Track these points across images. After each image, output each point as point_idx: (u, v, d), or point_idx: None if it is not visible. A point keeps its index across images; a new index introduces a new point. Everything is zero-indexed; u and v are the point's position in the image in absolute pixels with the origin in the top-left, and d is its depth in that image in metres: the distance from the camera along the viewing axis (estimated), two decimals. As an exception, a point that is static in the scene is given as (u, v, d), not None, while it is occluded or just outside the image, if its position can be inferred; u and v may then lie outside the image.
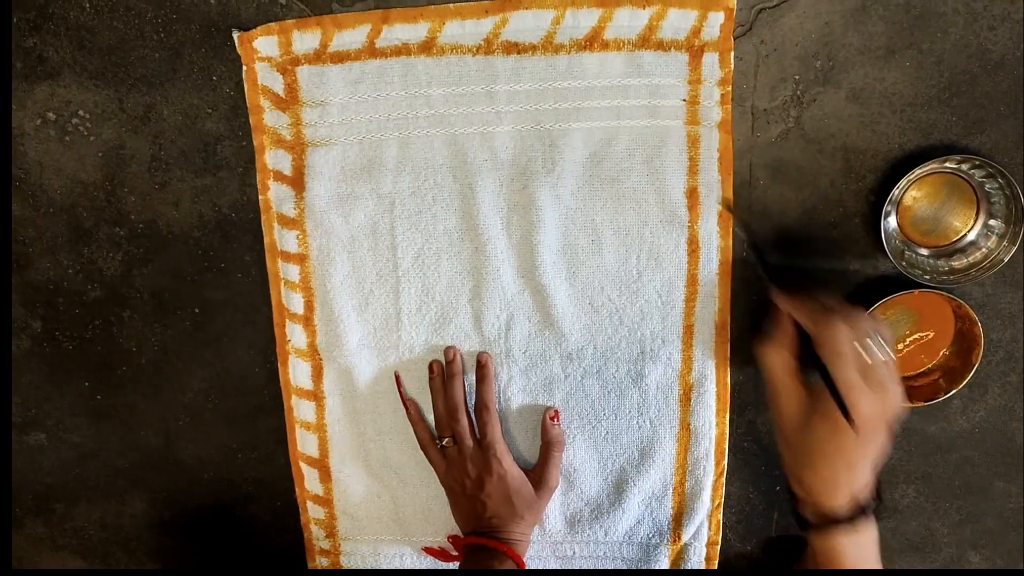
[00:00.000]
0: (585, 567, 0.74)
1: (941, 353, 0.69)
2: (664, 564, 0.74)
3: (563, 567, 0.74)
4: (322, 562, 0.77)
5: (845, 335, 0.54)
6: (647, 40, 0.63)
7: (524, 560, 0.68)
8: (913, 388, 0.69)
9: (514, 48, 0.64)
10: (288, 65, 0.66)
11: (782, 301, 0.60)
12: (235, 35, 0.65)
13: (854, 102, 0.64)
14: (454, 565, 0.74)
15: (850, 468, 0.56)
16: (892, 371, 0.55)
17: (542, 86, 0.65)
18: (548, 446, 0.70)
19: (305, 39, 0.65)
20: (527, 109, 0.66)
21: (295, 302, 0.71)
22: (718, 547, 0.74)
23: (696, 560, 0.74)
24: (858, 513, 0.58)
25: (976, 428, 0.72)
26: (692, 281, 0.68)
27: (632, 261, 0.68)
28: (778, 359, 0.58)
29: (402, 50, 0.65)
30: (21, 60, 0.68)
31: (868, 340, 0.54)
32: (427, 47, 0.65)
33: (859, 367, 0.54)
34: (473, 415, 0.70)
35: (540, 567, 0.75)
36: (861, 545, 0.58)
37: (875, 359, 0.54)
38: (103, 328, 0.74)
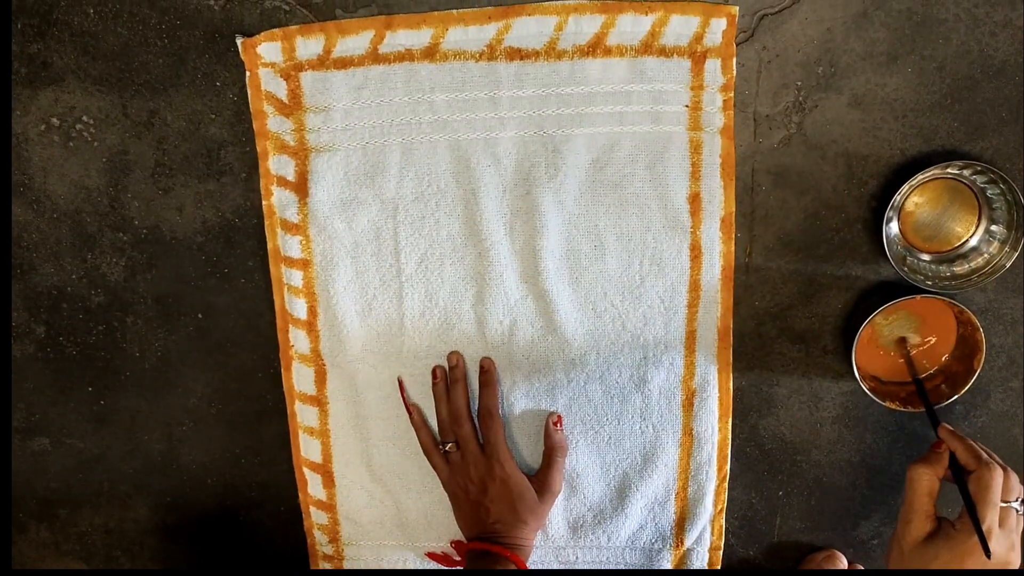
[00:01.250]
0: (588, 572, 0.75)
1: (943, 358, 0.69)
2: (667, 569, 0.74)
3: (566, 572, 0.75)
4: (325, 567, 0.77)
5: (998, 483, 0.59)
6: (650, 46, 0.64)
7: (527, 565, 0.68)
8: (915, 393, 0.69)
9: (517, 54, 0.64)
10: (292, 71, 0.66)
11: (948, 435, 0.64)
12: (239, 41, 0.65)
13: (856, 108, 0.65)
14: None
15: None
16: (1021, 531, 0.61)
17: (545, 92, 0.65)
18: (551, 451, 0.70)
19: (309, 45, 0.65)
20: (530, 115, 0.66)
21: (298, 307, 0.71)
22: (720, 552, 0.74)
23: (699, 565, 0.74)
24: None
25: (978, 433, 0.72)
26: (695, 287, 0.68)
27: (635, 266, 0.68)
28: (925, 481, 0.62)
29: (405, 56, 0.65)
30: (25, 66, 0.68)
31: (1016, 500, 0.61)
32: (430, 53, 0.65)
33: (999, 515, 0.60)
34: (476, 420, 0.70)
35: (543, 572, 0.75)
36: None
37: (1011, 511, 0.60)
38: (107, 333, 0.74)
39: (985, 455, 0.61)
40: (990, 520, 0.59)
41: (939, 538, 0.60)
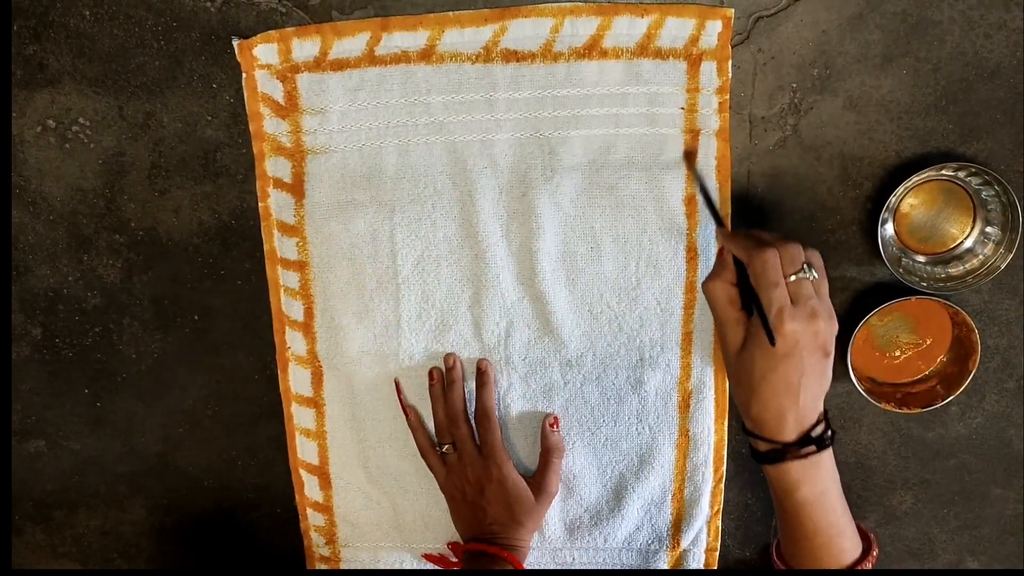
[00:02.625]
0: (584, 573, 0.75)
1: (938, 360, 0.69)
2: (663, 569, 0.74)
3: (562, 573, 0.75)
4: (322, 568, 0.77)
5: (775, 263, 0.55)
6: (645, 48, 0.64)
7: (524, 566, 0.68)
8: (911, 394, 0.69)
9: (513, 56, 0.65)
10: (288, 72, 0.66)
11: (722, 237, 0.61)
12: (235, 43, 0.65)
13: (851, 110, 0.65)
14: (454, 571, 0.75)
15: (789, 391, 0.56)
16: (821, 293, 0.57)
17: (541, 94, 0.65)
18: (547, 453, 0.70)
19: (305, 47, 0.65)
20: (526, 117, 0.66)
21: (295, 309, 0.71)
22: (717, 553, 0.74)
23: (695, 566, 0.74)
24: (807, 442, 0.58)
25: (973, 434, 0.72)
26: (691, 288, 0.68)
27: (631, 268, 0.68)
28: (720, 291, 0.59)
29: (401, 58, 0.65)
30: (21, 67, 0.68)
31: (801, 269, 0.56)
32: (426, 55, 0.65)
33: (790, 292, 0.55)
34: (473, 422, 0.71)
35: (539, 573, 0.75)
36: (815, 478, 0.58)
37: (802, 281, 0.56)
38: (103, 335, 0.74)
39: (754, 244, 0.57)
40: (778, 300, 0.55)
41: (750, 341, 0.57)
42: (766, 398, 0.57)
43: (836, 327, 0.57)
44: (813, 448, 0.57)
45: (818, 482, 0.58)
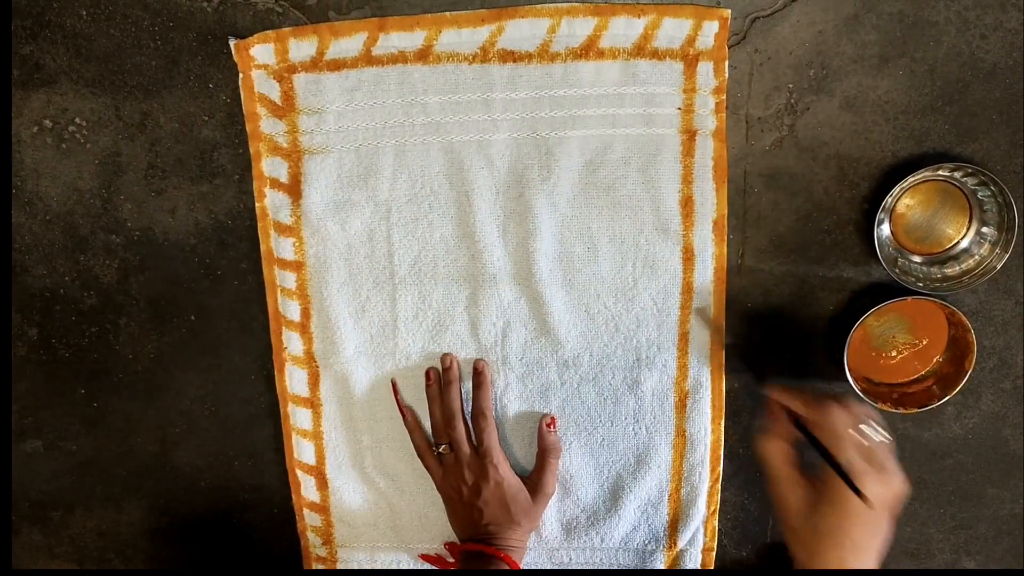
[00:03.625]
0: (581, 573, 0.75)
1: (934, 360, 0.70)
2: (660, 569, 0.74)
3: (559, 573, 0.75)
4: (319, 569, 0.77)
5: (843, 419, 0.56)
6: (642, 49, 0.64)
7: (521, 566, 0.68)
8: (907, 395, 0.69)
9: (510, 56, 0.65)
10: (285, 73, 0.66)
11: (775, 392, 0.61)
12: (232, 43, 0.65)
13: (847, 110, 0.65)
14: (450, 572, 0.75)
15: (858, 553, 0.56)
16: (890, 454, 0.57)
17: (538, 94, 0.65)
18: (544, 453, 0.70)
19: (302, 47, 0.65)
20: (523, 117, 0.66)
21: (292, 309, 0.71)
22: (713, 553, 0.74)
23: (692, 566, 0.74)
24: None
25: (970, 434, 0.72)
26: (687, 289, 0.68)
27: (628, 269, 0.68)
28: (777, 450, 0.59)
29: (398, 58, 0.65)
30: (18, 67, 0.68)
31: (863, 425, 0.57)
32: (423, 55, 0.65)
33: (860, 451, 0.56)
34: (470, 422, 0.71)
35: (536, 573, 0.75)
36: None
37: (873, 442, 0.56)
38: (99, 335, 0.74)
39: (813, 397, 0.57)
40: (852, 458, 0.55)
41: (823, 502, 0.57)
42: (832, 558, 0.56)
43: (902, 476, 0.57)
44: None
45: None
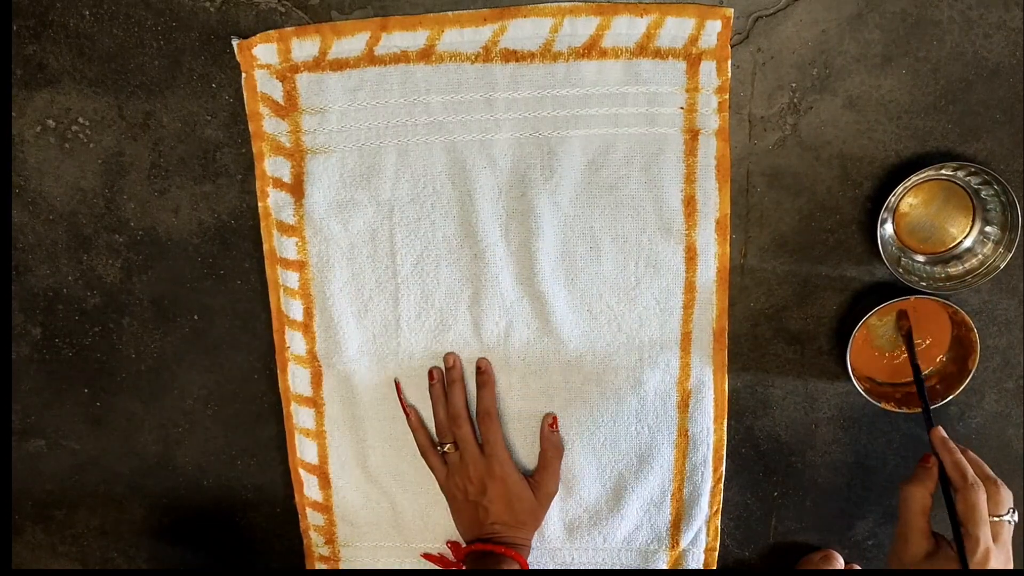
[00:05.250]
0: (584, 573, 0.75)
1: (938, 359, 0.69)
2: (662, 569, 0.74)
3: (562, 573, 0.75)
4: (321, 568, 0.77)
5: (984, 502, 0.58)
6: (645, 48, 0.64)
7: (528, 565, 0.68)
8: (910, 394, 0.69)
9: (512, 56, 0.65)
10: (287, 72, 0.66)
11: (941, 443, 0.62)
12: (234, 43, 0.65)
13: (851, 109, 0.65)
14: (453, 571, 0.75)
15: None
16: (1014, 535, 0.61)
17: (540, 94, 0.65)
18: (547, 452, 0.70)
19: (304, 46, 0.65)
20: (525, 116, 0.66)
21: (294, 309, 0.71)
22: (716, 553, 0.74)
23: (694, 566, 0.74)
24: None
25: (973, 434, 0.72)
26: (690, 288, 0.68)
27: (630, 268, 0.68)
28: (919, 499, 0.61)
29: (401, 58, 0.65)
30: (21, 67, 0.68)
31: (1005, 512, 0.60)
32: (426, 55, 0.65)
33: (992, 531, 0.59)
34: (475, 421, 0.70)
35: (539, 573, 0.75)
36: None
37: (1006, 525, 0.60)
38: (102, 335, 0.74)
39: (971, 473, 0.60)
40: (983, 538, 0.58)
41: (939, 558, 0.60)
42: None
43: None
44: None
45: None
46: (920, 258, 0.68)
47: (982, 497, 0.58)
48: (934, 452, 0.63)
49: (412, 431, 0.71)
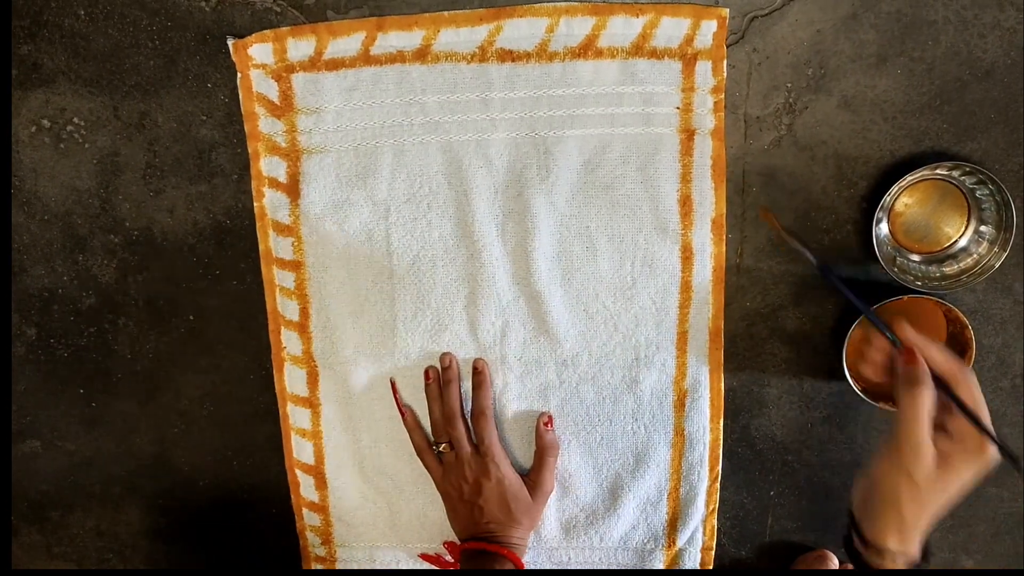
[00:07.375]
0: (580, 572, 0.75)
1: (933, 358, 0.69)
2: (659, 569, 0.74)
3: (558, 573, 0.75)
4: (318, 568, 0.77)
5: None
6: (641, 48, 0.64)
7: (524, 564, 0.68)
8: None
9: (508, 56, 0.65)
10: (283, 72, 0.66)
11: (917, 339, 0.58)
12: (230, 42, 0.65)
13: (846, 109, 0.65)
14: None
15: (949, 505, 0.57)
16: None
17: (536, 93, 0.65)
18: (542, 452, 0.70)
19: (300, 46, 0.65)
20: (522, 116, 0.66)
21: (290, 309, 0.71)
22: (712, 552, 0.74)
23: (691, 565, 0.74)
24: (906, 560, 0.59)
25: (968, 433, 0.72)
26: (686, 288, 0.68)
27: (626, 268, 0.68)
28: (928, 403, 0.56)
29: (397, 57, 0.65)
30: (16, 67, 0.68)
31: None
32: (422, 55, 0.65)
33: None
34: (470, 421, 0.70)
35: (535, 573, 0.75)
36: None
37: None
38: (98, 335, 0.74)
39: (958, 359, 0.57)
40: (990, 427, 0.55)
41: (957, 459, 0.55)
42: (936, 512, 0.57)
43: None
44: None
45: None
46: (915, 257, 0.68)
47: (975, 380, 0.57)
48: (906, 348, 0.58)
49: (408, 431, 0.71)
